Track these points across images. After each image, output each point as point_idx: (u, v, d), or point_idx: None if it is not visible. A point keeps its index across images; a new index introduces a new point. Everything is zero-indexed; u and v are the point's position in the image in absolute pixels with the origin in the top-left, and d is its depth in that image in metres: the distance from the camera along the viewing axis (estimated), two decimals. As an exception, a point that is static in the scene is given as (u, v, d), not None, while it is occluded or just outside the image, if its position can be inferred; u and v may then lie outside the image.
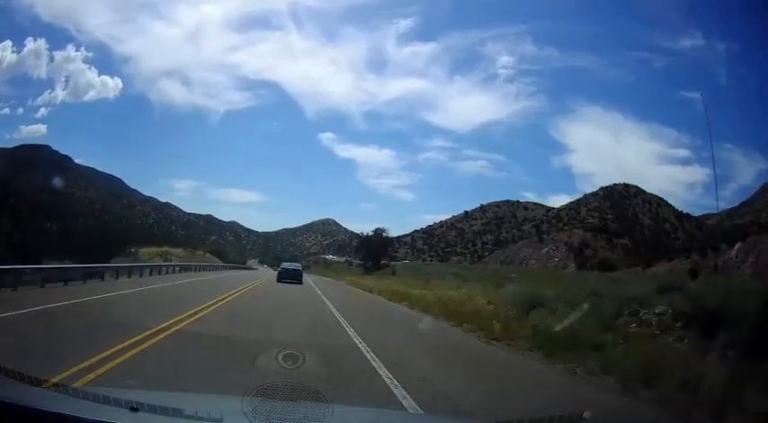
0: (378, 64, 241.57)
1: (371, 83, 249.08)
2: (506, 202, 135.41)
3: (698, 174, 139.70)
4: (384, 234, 78.23)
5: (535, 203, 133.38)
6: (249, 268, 79.31)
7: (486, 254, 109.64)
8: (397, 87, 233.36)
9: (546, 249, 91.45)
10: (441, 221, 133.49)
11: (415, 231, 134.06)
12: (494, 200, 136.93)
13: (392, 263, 78.73)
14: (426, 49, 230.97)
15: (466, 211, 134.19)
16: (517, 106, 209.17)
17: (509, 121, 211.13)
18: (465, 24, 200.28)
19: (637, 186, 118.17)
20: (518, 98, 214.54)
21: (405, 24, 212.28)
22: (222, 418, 2.34)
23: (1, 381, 2.85)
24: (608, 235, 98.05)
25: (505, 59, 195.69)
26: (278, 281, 30.42)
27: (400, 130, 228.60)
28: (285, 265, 35.07)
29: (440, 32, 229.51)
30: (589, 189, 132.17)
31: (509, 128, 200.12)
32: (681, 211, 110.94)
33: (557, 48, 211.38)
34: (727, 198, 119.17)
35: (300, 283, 30.84)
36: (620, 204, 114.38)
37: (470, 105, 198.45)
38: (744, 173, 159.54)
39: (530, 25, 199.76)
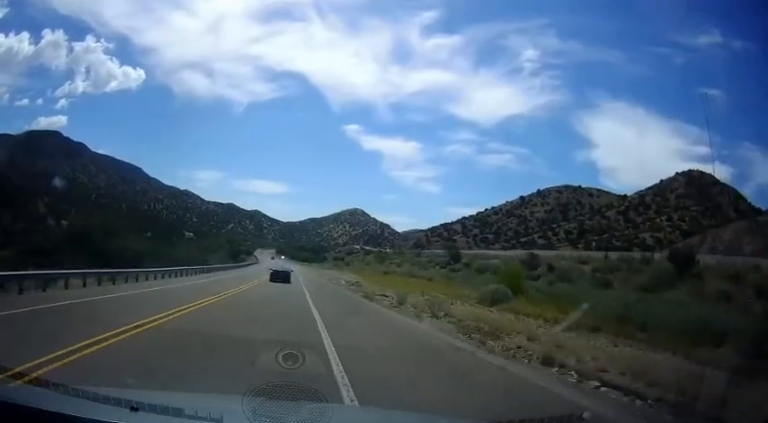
0: (402, 56, 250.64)
1: (396, 75, 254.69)
2: (566, 187, 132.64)
3: (717, 171, 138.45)
4: None
5: (599, 190, 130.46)
6: (216, 269, 56.09)
7: (591, 243, 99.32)
8: (421, 79, 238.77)
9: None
10: (494, 208, 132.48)
11: (464, 218, 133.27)
12: (553, 185, 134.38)
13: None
14: (450, 41, 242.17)
15: (522, 197, 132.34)
16: (541, 100, 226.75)
17: (533, 114, 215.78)
18: (488, 16, 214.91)
19: (711, 174, 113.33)
20: (542, 92, 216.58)
21: (428, 16, 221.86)
22: (222, 418, 2.56)
23: None
24: None
25: (530, 53, 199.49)
26: (270, 281, 36.73)
27: (425, 122, 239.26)
28: (275, 267, 44.86)
29: (463, 24, 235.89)
30: (612, 183, 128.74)
31: (533, 121, 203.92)
32: (754, 205, 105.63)
33: (580, 41, 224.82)
34: (747, 196, 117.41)
35: (289, 282, 36.06)
36: (707, 193, 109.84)
37: (495, 98, 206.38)
38: (764, 172, 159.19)
39: (553, 18, 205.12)
